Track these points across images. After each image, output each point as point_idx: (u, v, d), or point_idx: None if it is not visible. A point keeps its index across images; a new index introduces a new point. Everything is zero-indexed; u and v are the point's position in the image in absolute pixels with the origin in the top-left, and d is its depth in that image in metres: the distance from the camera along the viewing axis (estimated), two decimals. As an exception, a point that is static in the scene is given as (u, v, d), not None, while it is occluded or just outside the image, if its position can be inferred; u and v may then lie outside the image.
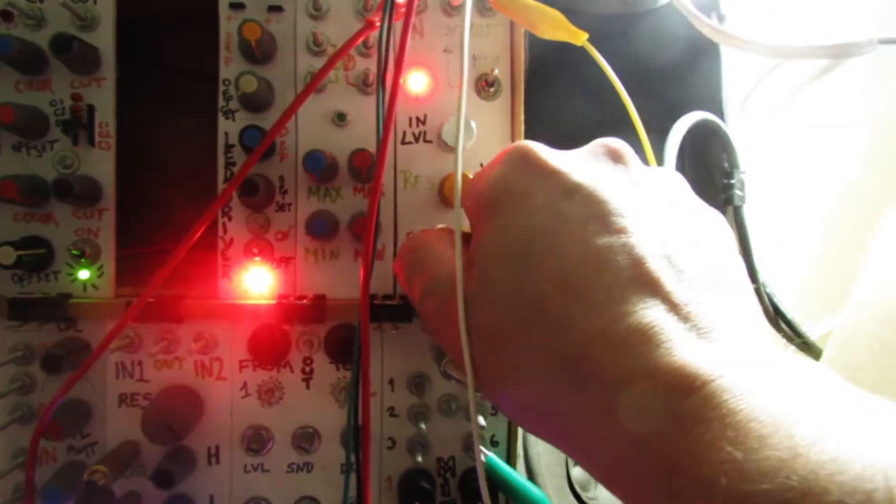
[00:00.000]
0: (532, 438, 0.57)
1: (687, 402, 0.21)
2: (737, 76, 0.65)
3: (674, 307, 0.25)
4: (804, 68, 0.61)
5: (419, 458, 0.47)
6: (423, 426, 0.47)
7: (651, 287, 0.25)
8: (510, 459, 0.48)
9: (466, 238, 0.35)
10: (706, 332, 0.24)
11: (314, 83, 0.40)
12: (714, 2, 0.65)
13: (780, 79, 0.64)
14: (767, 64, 0.63)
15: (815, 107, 0.64)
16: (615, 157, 0.32)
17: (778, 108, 0.65)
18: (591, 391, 0.25)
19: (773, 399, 0.21)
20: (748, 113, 0.65)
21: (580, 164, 0.31)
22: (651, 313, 0.24)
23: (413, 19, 0.47)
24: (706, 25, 0.49)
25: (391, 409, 0.48)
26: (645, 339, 0.24)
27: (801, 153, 0.69)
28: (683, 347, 0.23)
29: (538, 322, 0.27)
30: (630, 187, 0.30)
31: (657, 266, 0.26)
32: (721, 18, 0.65)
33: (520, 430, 0.51)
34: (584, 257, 0.27)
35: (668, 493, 0.21)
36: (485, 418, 0.48)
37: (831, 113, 0.63)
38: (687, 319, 0.24)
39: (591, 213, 0.28)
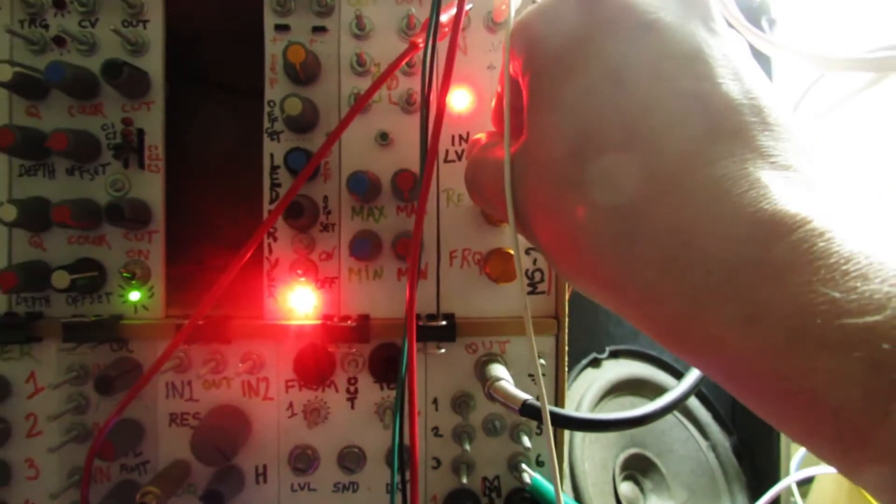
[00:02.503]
0: (578, 456, 0.57)
1: (771, 250, 0.20)
2: (787, 82, 0.63)
3: (760, 155, 0.23)
4: (857, 75, 0.59)
5: (464, 479, 0.47)
6: (467, 446, 0.47)
7: (735, 136, 0.23)
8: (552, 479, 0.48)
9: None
10: (792, 176, 0.23)
11: (358, 107, 0.40)
12: (765, 6, 0.63)
13: (833, 84, 0.62)
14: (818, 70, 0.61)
15: (869, 112, 0.61)
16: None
17: (829, 114, 0.63)
18: (652, 246, 0.23)
19: (873, 240, 0.19)
20: (799, 119, 0.63)
21: (657, 1, 0.27)
22: (731, 164, 0.23)
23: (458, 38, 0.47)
24: (753, 34, 0.47)
25: (436, 428, 0.48)
26: (723, 189, 0.22)
27: (855, 160, 0.67)
28: (766, 194, 0.22)
29: (599, 181, 0.25)
30: (706, 33, 0.26)
31: (743, 114, 0.24)
32: (772, 23, 0.63)
33: (566, 449, 0.50)
34: (656, 105, 0.25)
35: (746, 345, 0.20)
36: (529, 439, 0.47)
37: (886, 119, 0.61)
38: (774, 167, 0.23)
39: (666, 55, 0.25)
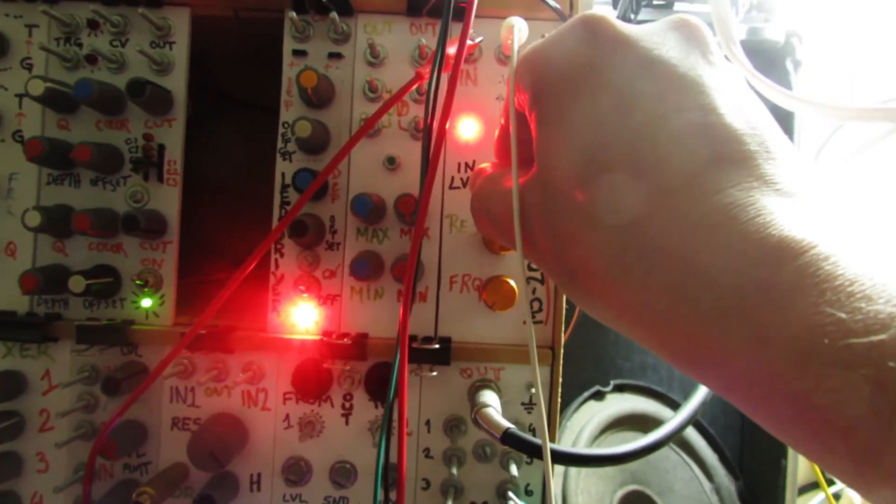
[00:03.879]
0: (572, 489, 0.56)
1: (778, 274, 0.21)
2: (810, 127, 0.62)
3: (765, 183, 0.23)
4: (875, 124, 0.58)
5: (450, 502, 0.47)
6: (455, 470, 0.47)
7: (741, 165, 0.24)
8: (544, 511, 0.48)
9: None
10: (797, 202, 0.23)
11: (362, 132, 0.42)
12: (790, 48, 0.63)
13: (857, 130, 0.61)
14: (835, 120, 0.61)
15: (891, 160, 0.60)
16: (692, 33, 0.29)
17: (855, 159, 0.62)
18: (663, 273, 0.24)
19: (875, 263, 0.20)
20: (823, 164, 0.63)
21: (657, 37, 0.28)
22: (738, 191, 0.23)
23: (461, 71, 0.48)
24: (769, 88, 0.47)
25: (427, 450, 0.49)
26: (730, 216, 0.23)
27: (884, 204, 0.65)
28: (773, 221, 0.22)
29: (609, 210, 0.26)
30: (707, 66, 0.28)
31: (747, 144, 0.25)
32: (797, 65, 0.63)
33: (559, 481, 0.50)
34: (662, 136, 0.25)
35: (757, 366, 0.21)
36: (518, 467, 0.48)
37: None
38: (779, 193, 0.23)
39: (670, 88, 0.26)
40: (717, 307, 0.22)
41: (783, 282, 0.20)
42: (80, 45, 0.49)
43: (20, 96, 0.49)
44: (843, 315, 0.19)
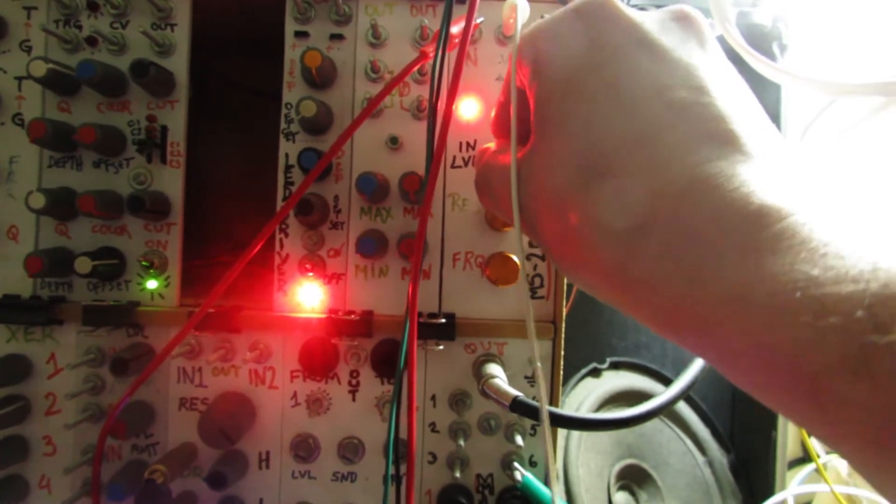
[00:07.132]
0: (573, 462, 0.58)
1: (757, 238, 0.22)
2: (797, 105, 0.64)
3: (749, 158, 0.25)
4: (865, 99, 0.60)
5: (457, 474, 0.48)
6: (462, 442, 0.48)
7: (729, 141, 0.26)
8: (548, 481, 0.49)
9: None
10: (778, 175, 0.24)
11: (368, 111, 0.42)
12: (776, 32, 0.64)
13: (844, 108, 0.63)
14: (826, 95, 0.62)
15: (882, 135, 0.62)
16: (691, 23, 0.31)
17: (841, 137, 0.64)
18: (650, 238, 0.25)
19: (850, 228, 0.21)
20: (809, 143, 0.64)
21: (658, 24, 0.30)
22: (725, 163, 0.25)
23: (467, 49, 0.49)
24: (758, 61, 0.48)
25: (433, 424, 0.49)
26: (716, 185, 0.24)
27: (868, 183, 0.67)
28: (755, 191, 0.24)
29: (601, 182, 0.27)
30: (702, 52, 0.30)
31: (735, 122, 0.26)
32: (783, 49, 0.64)
33: (560, 454, 0.51)
34: (656, 113, 0.27)
35: (733, 321, 0.22)
36: (523, 438, 0.49)
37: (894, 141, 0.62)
38: (761, 167, 0.25)
39: (666, 70, 0.28)
40: (698, 267, 0.23)
41: (761, 245, 0.22)
42: (79, 28, 0.49)
43: (20, 79, 0.49)
44: (815, 272, 0.20)
